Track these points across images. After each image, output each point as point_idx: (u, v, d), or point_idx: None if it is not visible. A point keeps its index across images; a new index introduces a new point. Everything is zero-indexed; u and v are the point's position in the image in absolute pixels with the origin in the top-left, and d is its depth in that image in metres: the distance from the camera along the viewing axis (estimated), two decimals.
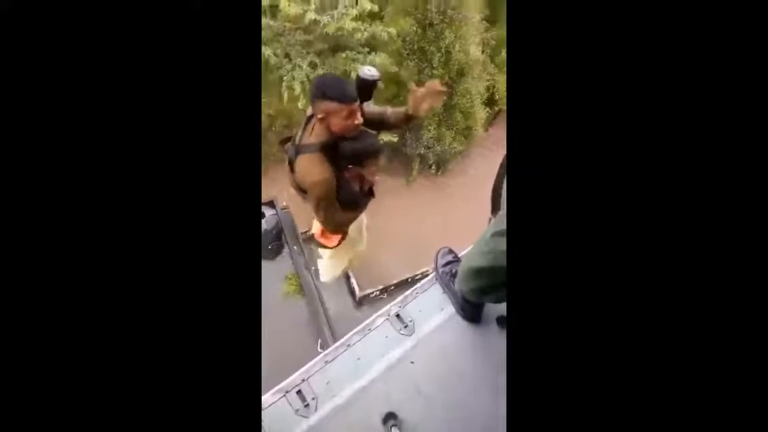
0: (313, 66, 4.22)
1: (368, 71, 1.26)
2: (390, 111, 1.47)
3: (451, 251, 1.23)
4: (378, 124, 1.45)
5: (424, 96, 1.29)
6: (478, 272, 0.93)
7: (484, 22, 6.84)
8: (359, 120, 1.23)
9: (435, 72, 6.13)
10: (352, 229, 1.67)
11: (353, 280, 5.24)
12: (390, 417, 0.93)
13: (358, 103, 1.21)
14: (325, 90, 1.17)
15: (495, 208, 1.22)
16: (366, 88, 1.27)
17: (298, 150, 1.26)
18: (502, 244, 0.82)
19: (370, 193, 1.48)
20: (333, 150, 1.24)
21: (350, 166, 1.29)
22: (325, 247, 1.67)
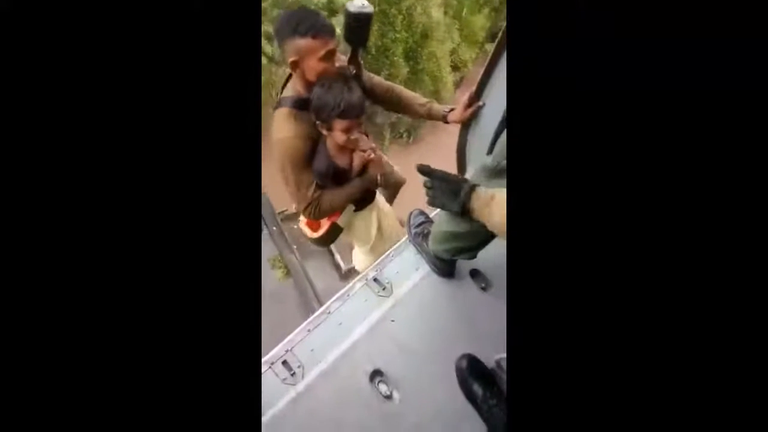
0: (268, 37, 3.97)
1: (358, 3, 0.95)
2: (417, 99, 1.20)
3: (422, 213, 1.25)
4: (382, 100, 1.22)
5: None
6: (455, 236, 0.95)
7: None
8: (340, 61, 1.00)
9: (398, 35, 5.96)
10: (353, 223, 1.37)
11: (337, 256, 5.27)
12: (376, 374, 0.98)
13: (335, 40, 0.97)
14: (295, 24, 0.92)
15: (461, 170, 1.23)
16: (359, 27, 0.98)
17: (275, 107, 1.05)
18: None
19: (362, 171, 1.18)
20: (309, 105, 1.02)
21: (317, 122, 1.03)
22: (309, 238, 1.38)
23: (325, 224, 1.31)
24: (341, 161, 1.13)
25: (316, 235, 1.34)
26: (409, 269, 1.16)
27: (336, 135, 1.04)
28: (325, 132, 1.05)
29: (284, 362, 0.97)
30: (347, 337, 1.02)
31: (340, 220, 1.31)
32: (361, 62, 1.08)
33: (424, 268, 1.16)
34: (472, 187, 0.73)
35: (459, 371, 0.97)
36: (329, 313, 1.06)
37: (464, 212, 0.74)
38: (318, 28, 0.92)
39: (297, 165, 1.06)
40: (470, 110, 1.07)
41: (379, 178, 1.23)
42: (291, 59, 0.96)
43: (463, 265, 1.15)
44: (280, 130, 1.03)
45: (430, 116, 1.21)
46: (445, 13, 6.68)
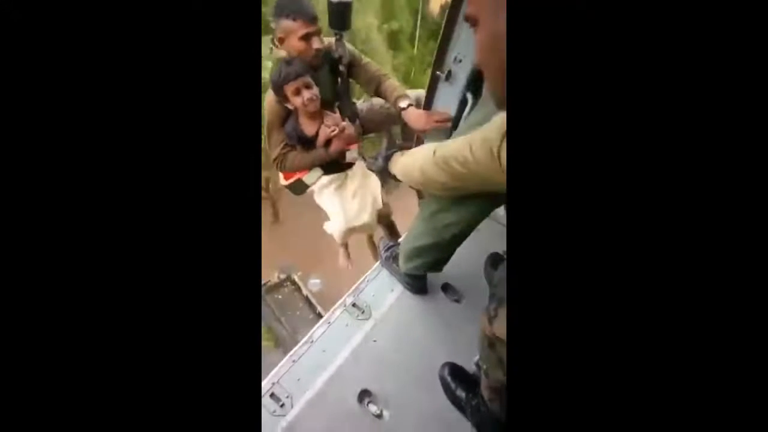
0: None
1: None
2: (393, 93, 1.32)
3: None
4: (365, 82, 1.37)
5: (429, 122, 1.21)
6: (421, 250, 1.04)
7: (390, 51, 7.44)
8: (319, 45, 1.18)
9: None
10: (318, 184, 1.49)
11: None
12: (364, 395, 1.00)
13: (317, 24, 1.16)
14: (284, 8, 1.13)
15: (421, 195, 1.36)
16: (340, 15, 1.18)
17: None
18: (440, 220, 0.95)
19: (327, 145, 1.31)
20: None
21: (279, 99, 1.24)
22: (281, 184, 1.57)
23: (293, 177, 1.49)
24: (308, 130, 1.30)
25: (285, 183, 1.52)
26: (384, 291, 1.22)
27: (294, 101, 1.21)
28: (289, 105, 1.24)
29: (272, 395, 0.97)
30: (332, 362, 1.05)
31: (307, 178, 1.45)
32: (345, 44, 1.28)
33: (399, 288, 1.23)
34: (393, 153, 1.00)
35: (442, 379, 1.01)
36: (312, 342, 1.09)
37: (384, 169, 1.01)
38: (301, 13, 1.13)
39: (273, 124, 1.29)
40: (434, 125, 1.20)
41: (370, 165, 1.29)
42: (278, 36, 1.18)
43: (435, 281, 1.23)
44: (269, 94, 1.26)
45: (395, 107, 1.33)
46: (398, 78, 7.41)
